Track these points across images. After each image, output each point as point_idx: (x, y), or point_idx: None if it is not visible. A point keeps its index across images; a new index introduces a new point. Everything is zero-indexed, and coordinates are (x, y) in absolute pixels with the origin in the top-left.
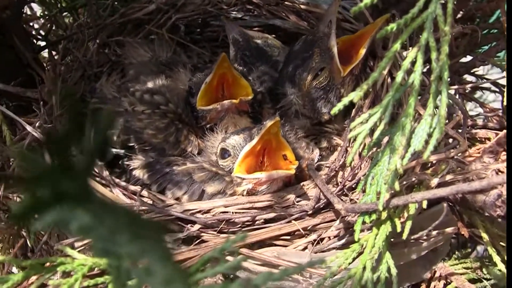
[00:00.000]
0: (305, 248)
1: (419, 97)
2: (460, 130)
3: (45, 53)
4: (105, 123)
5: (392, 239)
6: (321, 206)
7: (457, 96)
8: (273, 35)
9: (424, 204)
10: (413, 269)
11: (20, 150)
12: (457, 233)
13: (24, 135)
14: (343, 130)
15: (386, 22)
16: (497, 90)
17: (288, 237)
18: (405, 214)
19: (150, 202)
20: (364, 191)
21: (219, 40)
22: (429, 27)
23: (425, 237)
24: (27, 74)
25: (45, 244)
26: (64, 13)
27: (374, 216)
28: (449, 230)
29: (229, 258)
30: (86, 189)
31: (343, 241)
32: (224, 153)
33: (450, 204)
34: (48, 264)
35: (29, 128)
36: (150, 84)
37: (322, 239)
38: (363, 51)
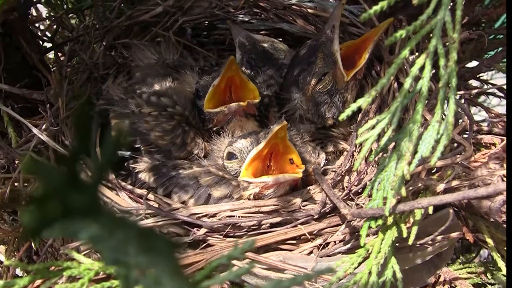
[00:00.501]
0: (311, 252)
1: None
2: (466, 136)
3: (51, 55)
4: (115, 138)
5: (397, 244)
6: (327, 211)
7: (462, 101)
8: (280, 39)
9: (430, 210)
10: (418, 273)
11: (30, 161)
12: (461, 238)
13: (30, 137)
14: (349, 134)
15: (390, 26)
16: (502, 95)
17: (294, 242)
18: (411, 219)
19: (156, 205)
20: (370, 196)
21: (226, 43)
22: (438, 34)
23: (430, 242)
24: (33, 75)
25: (50, 247)
26: (70, 15)
27: (380, 221)
28: (454, 235)
29: (235, 262)
30: (95, 203)
31: (348, 245)
32: (231, 157)
33: (455, 209)
34: (54, 268)
35: (35, 130)
36: (157, 87)
37: (327, 244)
38: (366, 56)
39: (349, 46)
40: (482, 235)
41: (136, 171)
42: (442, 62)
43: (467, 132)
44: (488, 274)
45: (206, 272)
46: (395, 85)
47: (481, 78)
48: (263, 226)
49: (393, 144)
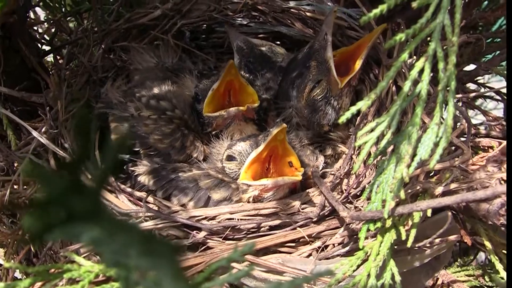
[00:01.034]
0: (310, 255)
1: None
2: (464, 139)
3: (49, 58)
4: (116, 143)
5: (396, 247)
6: (326, 214)
7: (460, 104)
8: (278, 42)
9: (429, 213)
10: (416, 276)
11: (31, 166)
12: (459, 240)
13: (30, 140)
14: (347, 137)
15: (388, 30)
16: (499, 98)
17: (293, 244)
18: (410, 222)
19: (156, 208)
20: (368, 199)
21: (225, 46)
22: (437, 37)
23: (428, 245)
24: (32, 78)
25: (49, 249)
26: (68, 18)
27: (378, 224)
28: (452, 237)
29: (235, 264)
30: (97, 207)
31: (347, 248)
32: (230, 160)
33: (454, 212)
34: (54, 270)
35: (34, 133)
36: (156, 90)
37: (326, 246)
38: (360, 62)
39: (343, 53)
40: (480, 238)
41: (136, 174)
42: (441, 65)
43: (465, 135)
44: (486, 277)
45: (206, 275)
46: (394, 88)
47: (478, 81)
48: (262, 229)
49: (392, 147)
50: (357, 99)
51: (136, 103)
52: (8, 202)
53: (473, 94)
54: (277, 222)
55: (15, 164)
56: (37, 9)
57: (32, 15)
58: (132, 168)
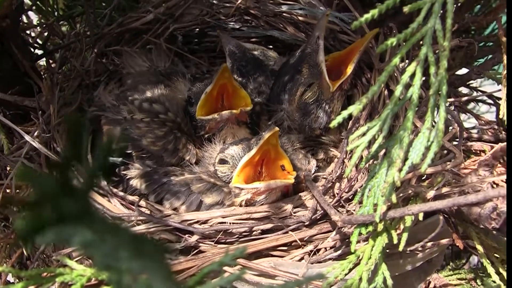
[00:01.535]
0: (302, 258)
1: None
2: (456, 143)
3: (42, 62)
4: (107, 144)
5: (387, 250)
6: (318, 217)
7: (452, 108)
8: (271, 46)
9: (420, 216)
10: (408, 279)
11: (23, 168)
12: (451, 244)
13: (22, 144)
14: (339, 141)
15: (376, 36)
16: (492, 102)
17: (285, 248)
18: (401, 226)
19: (148, 212)
20: (360, 203)
21: (217, 50)
22: (429, 42)
23: (420, 248)
24: (25, 82)
25: (41, 253)
26: (61, 22)
27: (370, 228)
28: (444, 241)
29: (227, 268)
30: (88, 209)
31: (339, 252)
32: (222, 164)
33: (445, 215)
34: (46, 274)
35: (27, 137)
36: (149, 93)
37: (318, 250)
38: (351, 67)
39: (335, 57)
40: (472, 241)
41: (128, 177)
42: (432, 69)
43: (457, 139)
44: (478, 280)
45: (198, 278)
46: (386, 92)
47: (471, 85)
48: (254, 233)
49: (383, 151)
50: (349, 103)
51: (129, 106)
52: (0, 206)
53: (465, 98)
54: (269, 226)
55: (8, 168)
56: (30, 13)
57: (25, 19)
58: (124, 172)
